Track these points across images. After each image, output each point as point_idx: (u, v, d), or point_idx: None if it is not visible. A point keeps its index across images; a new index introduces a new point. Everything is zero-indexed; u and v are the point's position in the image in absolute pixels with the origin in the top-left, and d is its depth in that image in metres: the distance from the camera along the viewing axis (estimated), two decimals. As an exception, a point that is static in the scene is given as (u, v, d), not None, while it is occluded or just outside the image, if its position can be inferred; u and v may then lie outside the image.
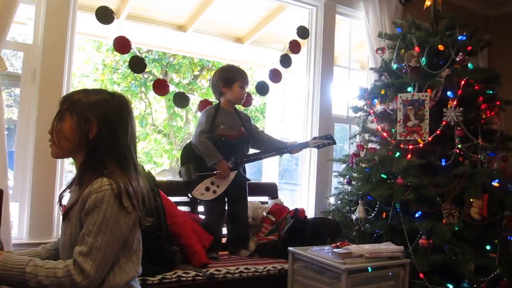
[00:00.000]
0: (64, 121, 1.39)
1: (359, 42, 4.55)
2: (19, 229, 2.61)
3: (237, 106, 2.92)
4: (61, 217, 1.88)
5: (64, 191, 1.50)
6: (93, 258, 1.26)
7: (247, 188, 2.86)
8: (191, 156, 2.72)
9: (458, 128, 2.78)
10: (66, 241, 1.36)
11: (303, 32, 3.66)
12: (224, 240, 2.82)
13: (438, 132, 2.83)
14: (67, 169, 2.94)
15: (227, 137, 2.69)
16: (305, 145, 2.98)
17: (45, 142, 1.44)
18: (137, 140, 1.50)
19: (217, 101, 2.87)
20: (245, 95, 2.77)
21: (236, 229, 2.78)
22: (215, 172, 2.65)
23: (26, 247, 2.45)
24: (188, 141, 2.81)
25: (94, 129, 1.37)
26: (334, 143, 3.07)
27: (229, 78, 2.77)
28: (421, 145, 2.88)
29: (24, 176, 2.60)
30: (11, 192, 2.53)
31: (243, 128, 2.78)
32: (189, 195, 2.73)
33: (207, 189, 2.66)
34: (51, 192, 2.61)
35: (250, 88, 3.18)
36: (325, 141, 2.99)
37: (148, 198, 1.43)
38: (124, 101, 1.45)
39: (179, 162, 2.79)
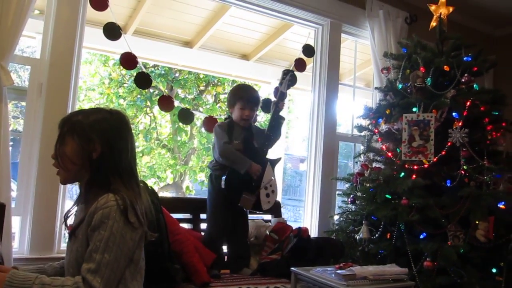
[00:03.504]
0: (66, 144, 1.39)
1: (365, 59, 4.58)
2: (20, 243, 2.60)
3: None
4: (63, 232, 1.86)
5: (69, 210, 1.50)
6: (101, 274, 1.25)
7: None
8: (236, 186, 2.66)
9: (464, 149, 2.77)
10: (72, 258, 1.35)
11: (308, 50, 3.68)
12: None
13: (443, 153, 2.82)
14: (69, 184, 2.93)
15: (241, 150, 2.69)
16: (281, 96, 2.89)
17: (49, 155, 1.45)
18: (136, 155, 1.51)
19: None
20: (248, 115, 2.75)
21: (236, 247, 2.76)
22: (260, 185, 2.69)
23: (26, 261, 2.45)
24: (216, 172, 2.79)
25: (97, 148, 1.38)
26: (294, 76, 3.05)
27: (231, 99, 2.83)
28: (426, 166, 2.85)
29: (27, 190, 2.59)
30: (13, 205, 2.53)
31: (249, 137, 2.78)
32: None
33: (267, 195, 2.71)
34: (53, 207, 2.60)
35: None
36: (287, 78, 2.93)
37: (149, 211, 1.44)
38: (123, 117, 1.47)
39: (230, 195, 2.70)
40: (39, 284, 1.24)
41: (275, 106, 2.86)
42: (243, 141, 2.73)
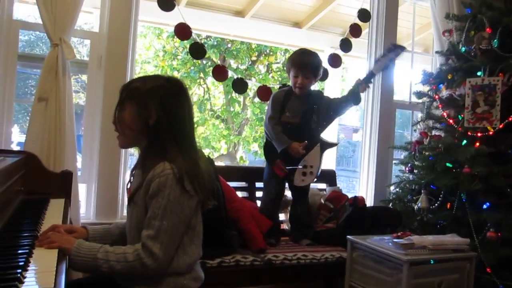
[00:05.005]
0: (125, 110, 1.42)
1: (423, 24, 4.35)
2: (86, 209, 2.75)
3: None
4: (125, 199, 1.94)
5: (131, 176, 1.55)
6: (160, 240, 1.30)
7: None
8: (274, 152, 2.66)
9: (533, 115, 2.60)
10: (133, 223, 1.41)
11: (364, 15, 3.54)
12: (283, 226, 2.82)
13: (510, 119, 2.66)
14: (131, 152, 3.05)
15: (292, 124, 2.64)
16: (370, 76, 2.68)
17: (111, 126, 1.49)
18: (194, 124, 1.51)
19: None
20: (302, 83, 2.63)
21: (297, 214, 2.75)
22: (298, 163, 2.62)
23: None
24: (265, 139, 2.77)
25: (153, 115, 1.39)
26: (401, 49, 2.70)
27: (287, 66, 2.76)
28: (490, 133, 2.71)
29: (91, 159, 2.73)
30: (79, 174, 2.67)
31: (309, 112, 2.67)
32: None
33: (304, 173, 2.65)
34: (116, 174, 2.72)
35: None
36: (389, 55, 2.67)
37: (209, 180, 1.45)
38: (180, 85, 1.47)
39: (265, 160, 2.74)
40: (103, 252, 1.30)
41: (356, 86, 2.68)
42: (300, 115, 2.64)
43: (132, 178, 1.54)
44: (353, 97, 2.69)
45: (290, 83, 2.74)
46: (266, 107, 2.78)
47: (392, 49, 2.70)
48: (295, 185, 2.66)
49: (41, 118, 2.40)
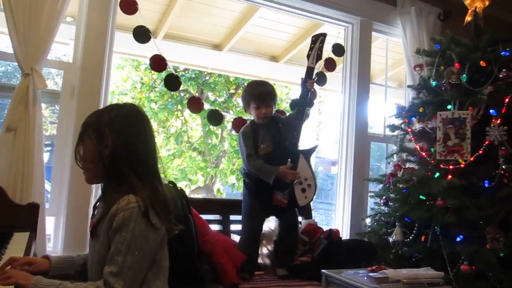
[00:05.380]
0: (83, 145, 1.41)
1: (396, 59, 4.47)
2: (54, 243, 2.66)
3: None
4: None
5: (94, 206, 1.51)
6: (123, 277, 1.25)
7: None
8: (261, 188, 2.62)
9: (503, 148, 2.65)
10: (95, 258, 1.36)
11: (338, 49, 3.62)
12: (261, 259, 2.77)
13: (480, 152, 2.71)
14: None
15: (270, 153, 2.62)
16: (310, 72, 2.66)
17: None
18: (157, 149, 1.48)
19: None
20: (265, 113, 2.62)
21: (282, 241, 2.70)
22: (291, 183, 2.58)
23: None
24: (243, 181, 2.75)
25: (109, 145, 1.37)
26: (323, 36, 2.69)
27: (244, 100, 2.73)
28: (462, 166, 2.75)
29: (61, 191, 2.65)
30: (47, 206, 2.59)
31: (278, 134, 2.67)
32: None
33: (303, 190, 2.60)
34: (86, 208, 2.64)
35: (285, 106, 3.07)
36: (316, 45, 2.66)
37: (174, 206, 1.42)
38: (136, 111, 1.46)
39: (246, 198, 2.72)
40: None
41: (302, 86, 2.67)
42: (271, 142, 2.64)
43: (96, 211, 1.49)
44: (301, 96, 2.67)
45: (251, 116, 2.72)
46: (238, 148, 2.75)
47: (315, 40, 2.69)
48: (301, 205, 2.63)
49: (9, 148, 2.34)
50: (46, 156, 2.67)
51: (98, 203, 1.49)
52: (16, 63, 2.41)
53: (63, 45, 3.65)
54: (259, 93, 2.63)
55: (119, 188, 1.34)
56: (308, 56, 2.70)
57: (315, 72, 2.72)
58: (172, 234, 1.41)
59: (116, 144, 1.37)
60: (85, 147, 1.40)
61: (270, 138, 2.65)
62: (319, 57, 2.70)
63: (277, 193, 2.58)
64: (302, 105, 2.65)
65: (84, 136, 1.41)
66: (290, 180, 2.56)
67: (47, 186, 2.64)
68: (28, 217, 2.07)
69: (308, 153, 2.68)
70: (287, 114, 2.79)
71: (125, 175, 1.35)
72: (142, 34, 2.87)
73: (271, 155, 2.61)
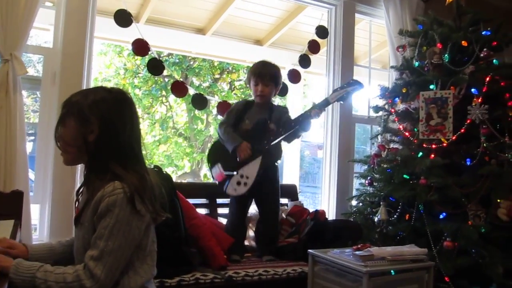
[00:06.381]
0: (65, 127, 1.36)
1: (380, 41, 4.48)
2: (39, 231, 2.64)
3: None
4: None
5: (77, 192, 1.49)
6: (104, 262, 1.24)
7: (279, 188, 2.78)
8: (217, 155, 2.72)
9: (484, 126, 2.69)
10: (80, 245, 1.35)
11: (322, 31, 3.62)
12: (247, 242, 2.80)
13: (462, 130, 2.75)
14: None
15: (247, 131, 2.68)
16: (325, 104, 2.68)
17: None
18: (141, 136, 1.44)
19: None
20: (262, 91, 2.67)
21: (263, 229, 2.73)
22: (237, 168, 2.61)
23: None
24: (212, 141, 2.79)
25: (95, 130, 1.33)
26: (359, 86, 2.70)
27: (248, 76, 2.82)
28: (444, 145, 2.79)
29: (45, 179, 2.62)
30: (32, 194, 2.56)
31: (270, 122, 2.68)
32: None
33: (238, 183, 2.61)
34: (70, 194, 2.61)
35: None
36: (348, 89, 2.66)
37: (159, 193, 1.40)
38: (122, 96, 1.41)
39: (207, 164, 2.80)
40: (43, 271, 1.24)
41: (309, 110, 2.66)
42: (254, 122, 2.68)
43: (79, 197, 1.48)
44: (303, 120, 2.65)
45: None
46: None
47: (351, 84, 2.72)
48: (225, 192, 2.63)
49: (-10, 136, 2.31)
50: (29, 146, 2.63)
51: (81, 189, 1.47)
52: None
53: (44, 31, 3.57)
54: (260, 71, 2.71)
55: (103, 176, 1.32)
56: (335, 90, 2.74)
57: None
58: (158, 222, 1.40)
59: (102, 130, 1.33)
60: (67, 129, 1.35)
61: (256, 119, 2.70)
62: (341, 99, 2.71)
63: (219, 167, 2.66)
64: (297, 124, 2.65)
65: (66, 117, 1.36)
66: (241, 158, 2.61)
67: (31, 175, 2.61)
68: (12, 205, 2.04)
69: (267, 160, 2.65)
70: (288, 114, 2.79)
71: (110, 162, 1.33)
72: (123, 18, 2.83)
73: (246, 133, 2.67)
